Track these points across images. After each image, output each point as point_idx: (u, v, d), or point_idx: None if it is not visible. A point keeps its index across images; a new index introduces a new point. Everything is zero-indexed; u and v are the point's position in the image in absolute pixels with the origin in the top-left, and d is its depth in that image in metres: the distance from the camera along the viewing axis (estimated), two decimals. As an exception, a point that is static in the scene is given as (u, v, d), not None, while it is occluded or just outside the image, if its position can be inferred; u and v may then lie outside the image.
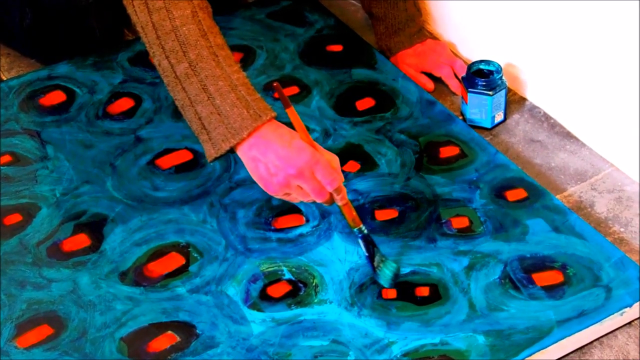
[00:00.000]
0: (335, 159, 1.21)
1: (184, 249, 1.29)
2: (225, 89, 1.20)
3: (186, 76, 1.21)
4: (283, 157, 1.17)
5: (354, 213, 1.22)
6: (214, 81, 1.20)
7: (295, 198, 1.21)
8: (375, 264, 1.22)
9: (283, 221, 1.32)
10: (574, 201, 1.37)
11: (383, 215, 1.32)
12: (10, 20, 1.63)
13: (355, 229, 1.22)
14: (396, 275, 1.22)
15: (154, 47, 1.23)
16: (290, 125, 1.20)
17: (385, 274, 1.21)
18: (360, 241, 1.22)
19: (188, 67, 1.21)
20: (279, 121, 1.20)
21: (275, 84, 1.16)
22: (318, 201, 1.20)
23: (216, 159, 1.22)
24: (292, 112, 1.19)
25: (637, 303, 1.19)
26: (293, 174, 1.17)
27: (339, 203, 1.20)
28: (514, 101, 1.55)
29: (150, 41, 1.23)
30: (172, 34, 1.21)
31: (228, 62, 1.21)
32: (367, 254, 1.22)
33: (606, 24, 1.34)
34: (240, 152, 1.21)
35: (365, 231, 1.22)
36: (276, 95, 1.19)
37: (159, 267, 1.27)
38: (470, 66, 1.50)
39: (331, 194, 1.19)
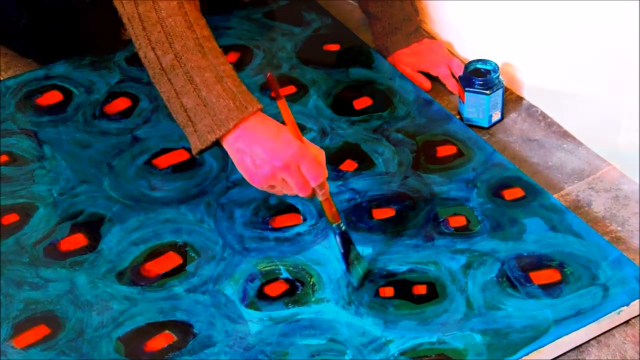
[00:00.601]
0: (321, 154, 1.20)
1: (181, 249, 1.29)
2: (212, 80, 1.19)
3: (172, 67, 1.20)
4: (269, 150, 1.17)
5: (334, 209, 1.22)
6: (199, 72, 1.19)
7: (279, 191, 1.20)
8: (350, 261, 1.22)
9: (280, 220, 1.32)
10: (571, 200, 1.37)
11: (380, 214, 1.32)
12: (7, 20, 1.62)
13: (334, 225, 1.22)
14: (366, 275, 1.22)
15: (140, 38, 1.22)
16: (279, 119, 1.19)
17: (358, 272, 1.22)
18: (337, 237, 1.22)
19: (174, 59, 1.20)
20: (267, 114, 1.20)
21: (268, 74, 1.15)
22: (300, 195, 1.19)
23: (202, 151, 1.21)
24: (282, 104, 1.18)
25: (634, 302, 1.19)
26: (279, 166, 1.16)
27: (321, 198, 1.20)
28: (511, 100, 1.55)
29: (137, 33, 1.23)
30: (158, 25, 1.21)
31: (214, 54, 1.21)
32: (342, 251, 1.22)
33: (604, 23, 1.34)
34: (226, 144, 1.20)
35: (344, 228, 1.22)
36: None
37: (156, 267, 1.27)
38: (467, 65, 1.50)
39: (314, 189, 1.19)
